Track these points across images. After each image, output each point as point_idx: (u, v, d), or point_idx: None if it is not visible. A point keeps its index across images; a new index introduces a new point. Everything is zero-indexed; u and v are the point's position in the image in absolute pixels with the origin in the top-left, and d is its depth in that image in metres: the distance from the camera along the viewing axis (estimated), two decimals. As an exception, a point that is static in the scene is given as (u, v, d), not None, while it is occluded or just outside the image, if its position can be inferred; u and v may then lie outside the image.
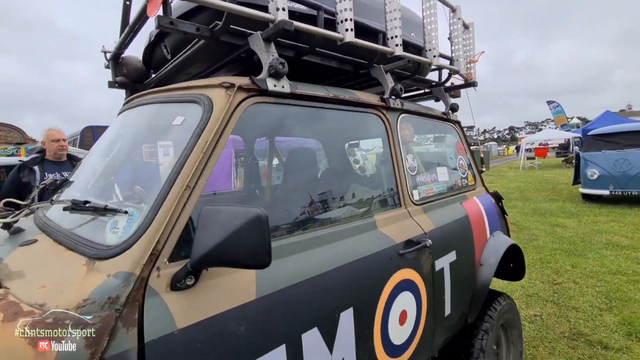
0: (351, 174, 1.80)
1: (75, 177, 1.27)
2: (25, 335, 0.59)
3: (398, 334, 1.25)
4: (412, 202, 1.51)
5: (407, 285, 1.30)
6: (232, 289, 0.83)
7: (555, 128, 24.45)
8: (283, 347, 0.87)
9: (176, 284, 0.76)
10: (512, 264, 2.19)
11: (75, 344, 0.61)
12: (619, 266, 4.22)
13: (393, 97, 1.49)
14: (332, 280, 1.02)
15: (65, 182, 1.19)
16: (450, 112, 1.95)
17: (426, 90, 2.08)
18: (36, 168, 2.98)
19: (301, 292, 0.94)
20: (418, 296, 1.35)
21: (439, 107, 2.02)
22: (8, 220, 1.02)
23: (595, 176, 7.71)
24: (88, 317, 0.64)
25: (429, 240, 1.41)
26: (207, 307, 0.77)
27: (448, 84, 2.00)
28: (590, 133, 8.77)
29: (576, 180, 8.89)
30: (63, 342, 0.60)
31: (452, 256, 1.57)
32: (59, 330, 0.61)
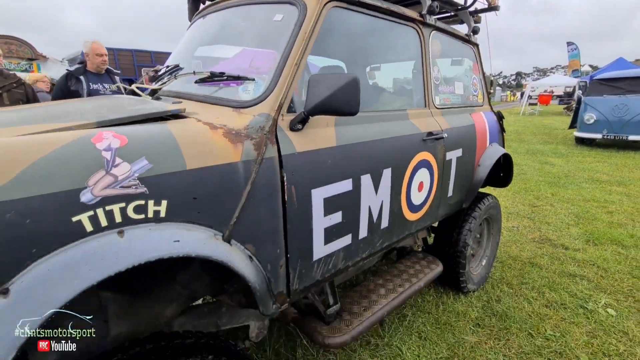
0: (394, 78, 2.18)
1: (176, 61, 1.61)
2: (226, 138, 1.01)
3: (416, 197, 1.74)
4: (434, 105, 1.90)
5: (425, 164, 1.75)
6: (322, 137, 1.25)
7: (565, 74, 23.85)
8: (350, 180, 1.33)
9: (292, 127, 1.17)
10: (502, 174, 2.67)
11: (248, 147, 1.04)
12: (593, 195, 4.81)
13: (429, 14, 1.78)
14: (379, 145, 1.45)
15: (175, 69, 1.54)
16: (471, 34, 2.23)
17: (452, 14, 2.32)
18: (82, 77, 3.23)
19: (361, 149, 1.37)
20: (432, 174, 1.81)
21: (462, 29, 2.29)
22: (155, 86, 1.39)
23: (592, 120, 8.04)
24: (252, 134, 1.07)
25: (445, 134, 1.83)
26: (310, 143, 1.20)
27: (472, 9, 2.24)
28: (595, 77, 8.85)
29: (573, 124, 9.22)
30: (245, 143, 1.03)
31: (459, 152, 2.02)
32: (241, 137, 1.04)
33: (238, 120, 1.10)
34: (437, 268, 2.16)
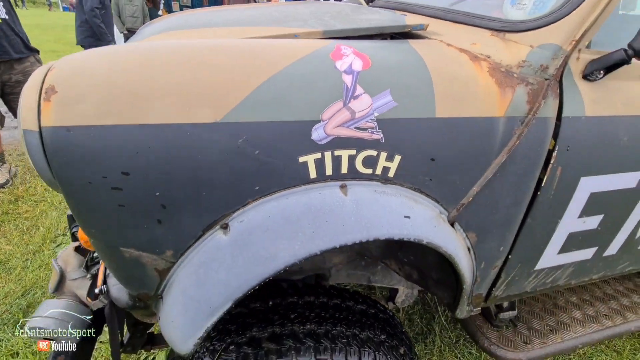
0: None
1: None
2: (492, 77, 0.67)
3: None
4: None
5: None
6: (629, 97, 0.76)
7: None
8: (639, 175, 0.83)
9: (587, 74, 0.73)
10: None
11: (520, 97, 0.67)
12: None
13: None
14: None
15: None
16: None
17: None
18: None
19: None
20: None
21: None
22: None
23: None
24: (528, 76, 0.69)
25: None
26: (607, 105, 0.74)
27: None
28: None
29: None
30: (517, 90, 0.67)
31: None
32: (513, 79, 0.68)
33: (505, 51, 0.73)
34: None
